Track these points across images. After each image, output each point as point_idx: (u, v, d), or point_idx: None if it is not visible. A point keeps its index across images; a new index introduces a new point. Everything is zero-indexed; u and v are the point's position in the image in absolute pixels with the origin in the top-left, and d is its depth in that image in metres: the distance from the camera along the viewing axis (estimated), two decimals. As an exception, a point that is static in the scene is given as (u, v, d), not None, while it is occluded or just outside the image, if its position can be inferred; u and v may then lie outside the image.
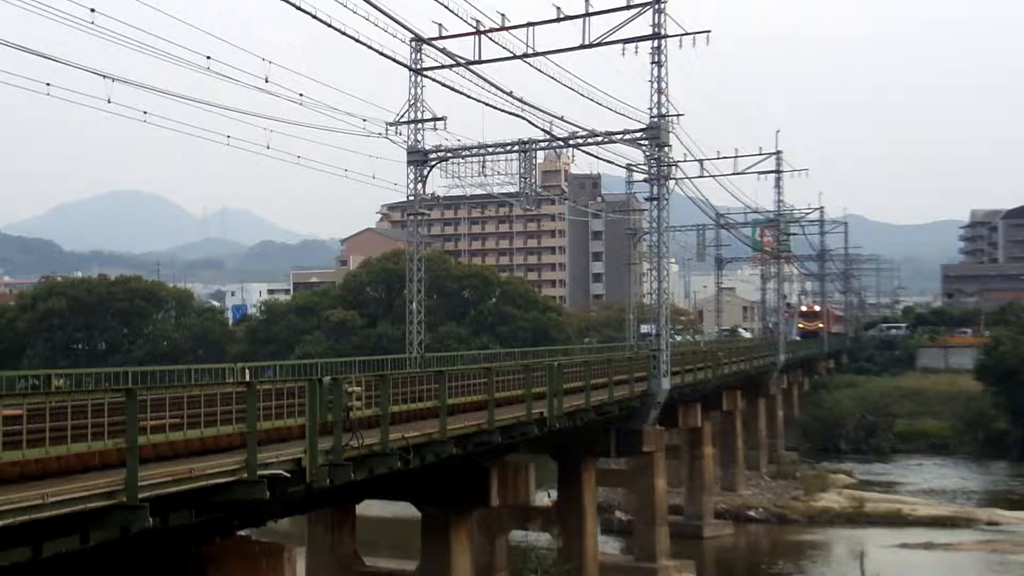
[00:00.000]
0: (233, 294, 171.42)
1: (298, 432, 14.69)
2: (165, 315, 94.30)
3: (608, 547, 39.38)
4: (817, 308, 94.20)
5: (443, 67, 29.59)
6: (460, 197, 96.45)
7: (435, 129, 33.12)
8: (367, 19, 22.30)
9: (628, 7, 29.62)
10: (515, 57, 28.73)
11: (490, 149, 33.31)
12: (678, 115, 32.31)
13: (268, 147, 27.08)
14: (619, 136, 32.05)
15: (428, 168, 33.81)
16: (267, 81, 22.82)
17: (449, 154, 33.57)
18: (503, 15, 27.82)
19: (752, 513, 47.25)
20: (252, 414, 13.03)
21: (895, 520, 44.95)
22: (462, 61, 28.64)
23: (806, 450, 67.07)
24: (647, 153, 31.90)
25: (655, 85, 31.08)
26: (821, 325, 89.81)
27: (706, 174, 49.15)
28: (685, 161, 43.49)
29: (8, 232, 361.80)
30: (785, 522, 46.19)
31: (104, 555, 12.38)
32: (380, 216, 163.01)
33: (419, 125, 32.98)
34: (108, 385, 15.81)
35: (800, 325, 73.22)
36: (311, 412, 14.12)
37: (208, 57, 21.59)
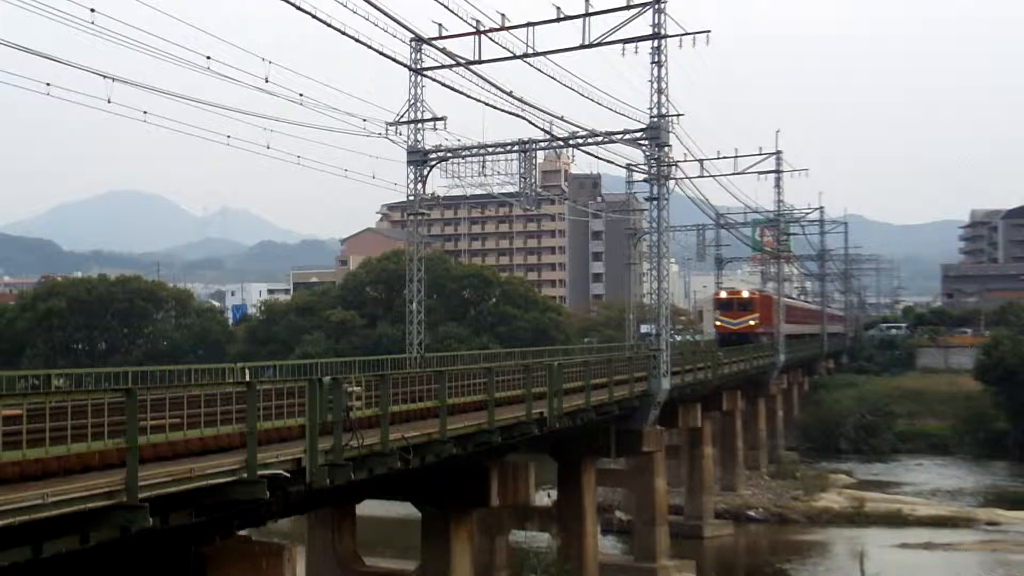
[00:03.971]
0: (233, 294, 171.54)
1: (298, 432, 14.68)
2: (165, 315, 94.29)
3: (608, 547, 39.38)
4: (746, 294, 62.38)
5: (443, 67, 29.59)
6: (460, 197, 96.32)
7: (435, 129, 33.12)
8: (367, 19, 22.32)
9: (628, 7, 29.61)
10: (515, 57, 28.72)
11: (490, 149, 33.27)
12: (678, 115, 32.30)
13: (268, 147, 27.10)
14: (619, 136, 32.04)
15: (428, 168, 33.80)
16: (267, 81, 22.83)
17: (449, 154, 33.54)
18: (503, 15, 27.83)
19: (752, 513, 47.24)
20: (252, 414, 13.02)
21: (895, 520, 44.95)
22: (462, 61, 28.63)
23: (806, 450, 67.13)
24: (647, 153, 31.88)
25: (655, 85, 31.06)
26: (753, 323, 58.73)
27: (706, 174, 49.17)
28: (685, 161, 43.53)
29: (8, 232, 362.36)
30: (785, 522, 46.18)
31: (104, 555, 12.38)
32: (380, 216, 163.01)
33: (419, 125, 32.96)
34: (108, 385, 15.76)
35: (717, 323, 52.95)
36: (311, 412, 14.11)
37: (208, 57, 21.60)
